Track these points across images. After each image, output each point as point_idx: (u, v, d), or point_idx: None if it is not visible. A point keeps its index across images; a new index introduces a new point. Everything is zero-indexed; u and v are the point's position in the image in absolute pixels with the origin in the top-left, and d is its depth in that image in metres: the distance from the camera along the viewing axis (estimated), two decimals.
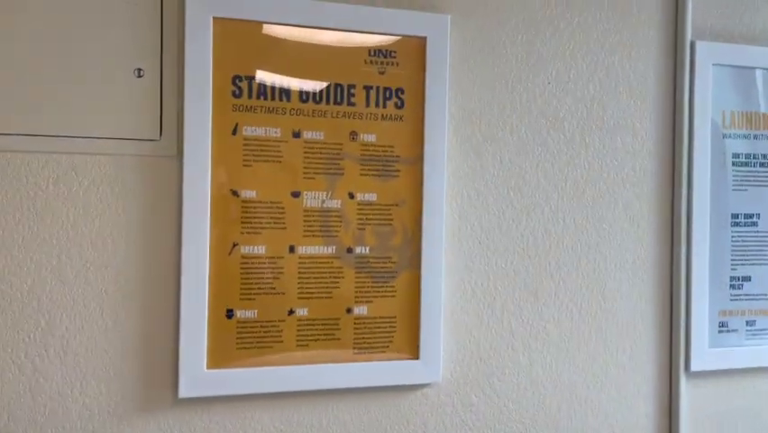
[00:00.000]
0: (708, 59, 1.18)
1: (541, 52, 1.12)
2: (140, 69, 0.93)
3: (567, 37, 1.14)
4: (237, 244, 0.96)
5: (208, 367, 0.95)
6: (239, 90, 0.96)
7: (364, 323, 1.02)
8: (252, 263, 0.97)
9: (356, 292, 1.01)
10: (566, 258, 1.13)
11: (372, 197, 1.02)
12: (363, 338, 1.02)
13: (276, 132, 0.98)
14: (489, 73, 1.10)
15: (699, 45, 1.18)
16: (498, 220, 1.10)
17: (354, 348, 1.01)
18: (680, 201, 1.18)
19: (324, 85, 1.00)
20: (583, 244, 1.14)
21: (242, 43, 0.96)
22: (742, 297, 1.22)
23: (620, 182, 1.16)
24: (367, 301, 1.02)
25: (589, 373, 1.15)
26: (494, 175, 1.10)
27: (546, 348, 1.13)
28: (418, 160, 1.04)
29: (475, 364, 1.09)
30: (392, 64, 1.03)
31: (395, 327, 1.03)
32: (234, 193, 0.96)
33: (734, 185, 1.21)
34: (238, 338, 0.96)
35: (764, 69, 1.22)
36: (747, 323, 1.22)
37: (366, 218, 1.02)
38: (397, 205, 1.03)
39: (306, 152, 0.99)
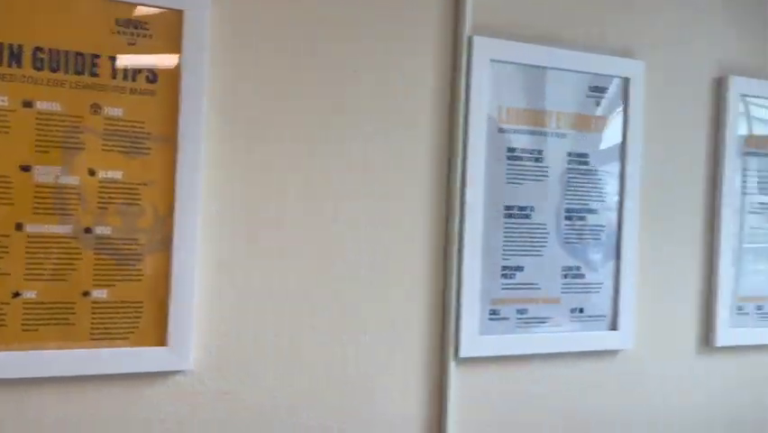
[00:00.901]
0: (486, 55, 1.21)
1: (316, 40, 1.10)
2: None
3: (346, 26, 1.12)
4: None
5: None
6: None
7: (104, 307, 0.97)
8: None
9: (95, 275, 0.96)
10: (339, 243, 1.13)
11: (117, 174, 0.97)
12: (103, 323, 0.97)
13: (3, 100, 0.91)
14: (258, 57, 1.07)
15: (477, 40, 1.20)
16: (256, 202, 1.08)
17: (92, 334, 0.96)
18: (454, 193, 1.20)
19: (62, 52, 0.93)
20: (357, 231, 1.14)
21: None
22: (514, 286, 1.26)
23: (399, 175, 1.17)
24: (108, 285, 0.97)
25: (360, 360, 1.15)
26: (261, 163, 1.07)
27: (316, 334, 1.12)
28: (172, 138, 1.00)
29: (235, 351, 1.06)
30: (144, 36, 0.98)
31: (141, 312, 0.99)
32: None
33: (508, 178, 1.25)
34: None
35: (543, 67, 1.27)
36: (519, 311, 1.27)
37: (109, 197, 0.97)
38: (146, 184, 0.99)
39: (38, 124, 0.93)
